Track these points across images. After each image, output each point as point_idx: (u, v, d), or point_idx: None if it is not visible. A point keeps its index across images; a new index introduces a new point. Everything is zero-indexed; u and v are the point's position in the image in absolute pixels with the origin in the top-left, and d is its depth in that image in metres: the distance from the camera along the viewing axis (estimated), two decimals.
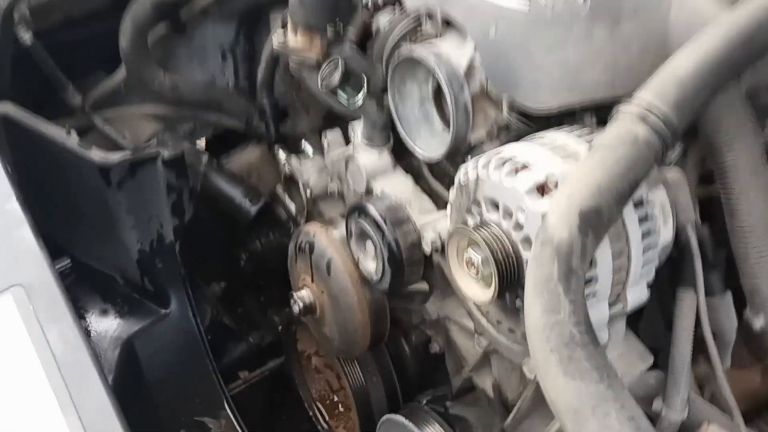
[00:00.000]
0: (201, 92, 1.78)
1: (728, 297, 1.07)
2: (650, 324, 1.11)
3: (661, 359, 1.07)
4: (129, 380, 1.42)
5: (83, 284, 1.49)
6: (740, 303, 1.05)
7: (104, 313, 1.50)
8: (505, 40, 1.03)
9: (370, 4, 1.28)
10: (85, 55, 1.75)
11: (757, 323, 0.99)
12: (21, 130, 1.39)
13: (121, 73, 1.74)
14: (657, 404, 1.04)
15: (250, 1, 1.78)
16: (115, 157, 1.41)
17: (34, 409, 0.78)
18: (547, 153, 0.92)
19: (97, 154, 1.40)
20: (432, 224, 1.14)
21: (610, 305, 0.93)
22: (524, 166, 0.90)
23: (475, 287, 0.95)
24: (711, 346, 1.00)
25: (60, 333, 0.82)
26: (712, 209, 1.12)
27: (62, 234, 1.47)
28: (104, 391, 0.80)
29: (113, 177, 1.41)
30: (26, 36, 1.53)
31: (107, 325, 1.48)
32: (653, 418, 1.04)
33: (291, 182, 1.53)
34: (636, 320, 1.10)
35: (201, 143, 1.85)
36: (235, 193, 1.63)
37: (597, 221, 0.76)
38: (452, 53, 1.08)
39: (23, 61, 1.56)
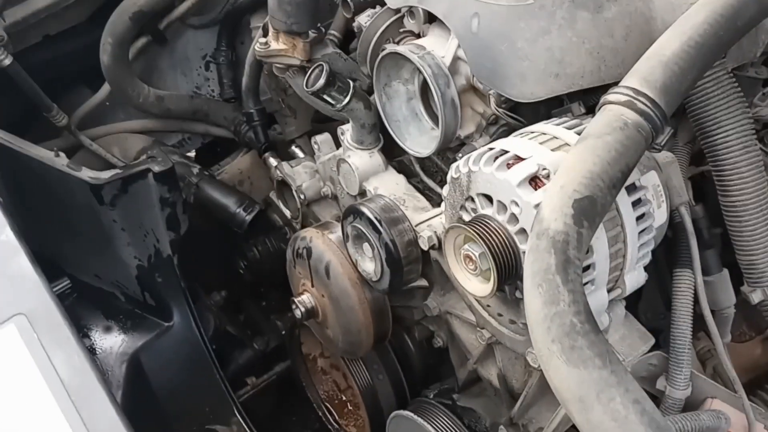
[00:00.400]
0: (187, 104, 1.78)
1: (725, 274, 1.08)
2: (649, 305, 1.12)
3: (661, 340, 1.08)
4: (137, 395, 1.42)
5: (84, 303, 1.49)
6: (737, 279, 1.06)
7: (108, 330, 1.50)
8: (488, 32, 1.03)
9: (350, 3, 1.28)
10: (67, 73, 1.74)
11: (755, 298, 1.01)
12: (8, 154, 1.38)
13: (104, 90, 1.73)
14: (660, 383, 1.05)
15: (228, 8, 1.78)
16: (105, 175, 1.41)
17: None
18: (537, 145, 0.92)
19: (87, 174, 1.40)
20: (427, 222, 1.14)
21: (609, 290, 0.94)
22: (516, 159, 0.91)
23: (474, 282, 0.95)
24: (710, 323, 1.01)
25: (66, 358, 0.83)
26: (704, 188, 1.13)
27: (59, 255, 1.47)
28: (114, 412, 0.80)
29: (105, 195, 1.41)
30: (6, 59, 1.52)
31: (112, 342, 1.49)
32: (657, 397, 1.05)
33: (284, 188, 1.54)
34: (635, 301, 1.11)
35: (190, 155, 1.85)
36: (229, 202, 1.63)
37: (591, 210, 0.77)
38: (436, 49, 1.08)
39: (5, 85, 1.55)
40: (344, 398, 1.67)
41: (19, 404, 0.81)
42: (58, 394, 0.80)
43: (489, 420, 1.22)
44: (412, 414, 1.26)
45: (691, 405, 1.04)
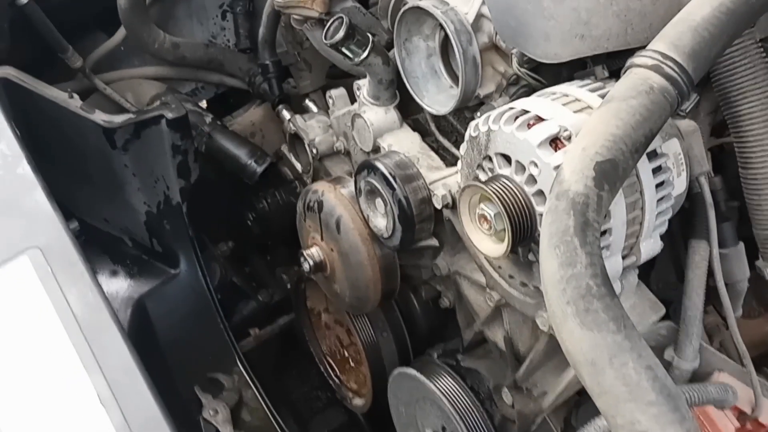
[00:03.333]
0: (202, 52, 1.76)
1: (741, 247, 1.07)
2: (662, 275, 1.12)
3: (671, 311, 1.08)
4: (141, 340, 1.42)
5: (92, 247, 1.48)
6: (752, 254, 1.06)
7: (114, 274, 1.51)
8: None
9: None
10: (83, 16, 1.72)
11: None
12: (23, 93, 1.37)
13: (120, 34, 1.71)
14: (668, 354, 1.05)
15: None
16: (119, 119, 1.40)
17: (58, 369, 0.80)
18: (559, 106, 0.91)
19: (100, 117, 1.39)
20: (442, 180, 1.13)
21: (624, 257, 0.93)
22: (537, 120, 0.89)
23: (487, 242, 0.95)
24: (724, 296, 1.01)
25: (79, 293, 0.83)
26: (723, 161, 1.12)
27: (69, 197, 1.46)
28: (126, 349, 0.81)
29: (118, 139, 1.41)
30: None
31: (118, 287, 1.50)
32: (665, 368, 1.05)
33: (296, 141, 1.53)
34: (648, 270, 1.11)
35: (202, 105, 1.83)
36: (240, 153, 1.62)
37: (612, 173, 0.76)
38: (460, 5, 1.06)
39: (21, 24, 1.53)
40: (346, 354, 1.68)
41: (30, 337, 0.82)
42: (71, 328, 0.80)
43: (492, 382, 1.23)
44: (415, 372, 1.26)
45: (698, 377, 1.04)
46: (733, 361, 1.05)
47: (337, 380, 1.68)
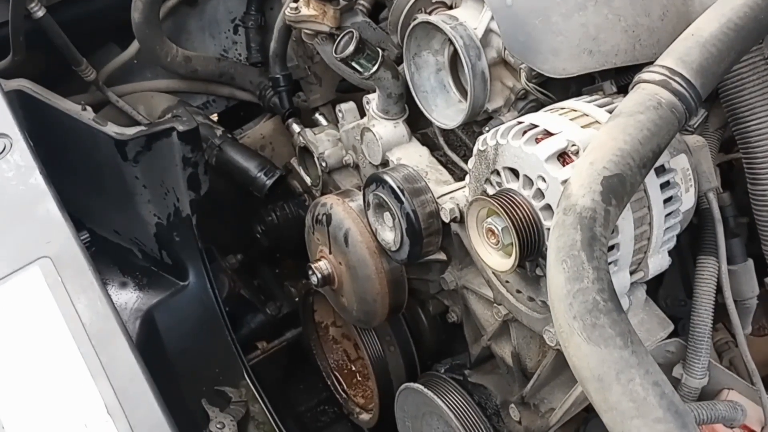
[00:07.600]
0: (214, 66, 1.77)
1: (750, 264, 1.07)
2: (670, 291, 1.11)
3: (680, 327, 1.07)
4: (149, 351, 1.43)
5: (102, 258, 1.49)
6: (761, 271, 1.05)
7: (123, 285, 1.51)
8: (523, 5, 1.01)
9: None
10: (97, 29, 1.74)
11: None
12: (37, 105, 1.39)
13: (133, 48, 1.73)
14: (677, 371, 1.04)
15: None
16: (130, 131, 1.41)
17: (66, 376, 0.80)
18: (567, 121, 0.91)
19: (112, 129, 1.41)
20: (450, 194, 1.13)
21: (631, 273, 0.93)
22: (545, 134, 0.90)
23: (495, 256, 0.95)
24: (733, 313, 1.00)
25: (88, 302, 0.84)
26: (732, 177, 1.12)
27: (80, 208, 1.47)
28: (134, 358, 0.81)
29: (129, 151, 1.42)
30: (39, 11, 1.52)
31: (127, 298, 1.50)
32: (674, 385, 1.04)
33: (305, 154, 1.54)
34: (656, 287, 1.10)
35: (213, 118, 1.85)
36: (250, 166, 1.63)
37: (620, 188, 0.76)
38: (469, 21, 1.07)
39: (37, 38, 1.55)
40: (354, 368, 1.68)
41: (39, 346, 0.82)
42: (79, 337, 0.81)
43: (500, 398, 1.22)
44: (422, 387, 1.26)
45: (707, 395, 1.03)
46: (742, 380, 1.04)
47: (344, 394, 1.68)
